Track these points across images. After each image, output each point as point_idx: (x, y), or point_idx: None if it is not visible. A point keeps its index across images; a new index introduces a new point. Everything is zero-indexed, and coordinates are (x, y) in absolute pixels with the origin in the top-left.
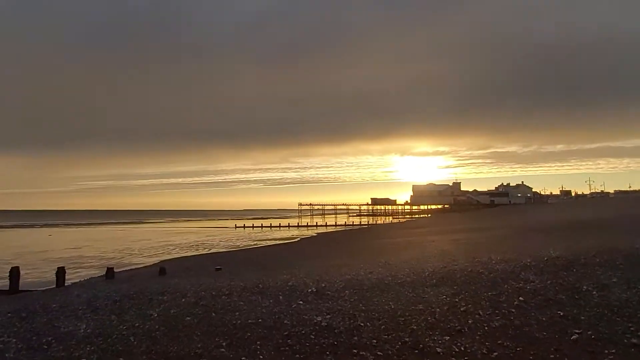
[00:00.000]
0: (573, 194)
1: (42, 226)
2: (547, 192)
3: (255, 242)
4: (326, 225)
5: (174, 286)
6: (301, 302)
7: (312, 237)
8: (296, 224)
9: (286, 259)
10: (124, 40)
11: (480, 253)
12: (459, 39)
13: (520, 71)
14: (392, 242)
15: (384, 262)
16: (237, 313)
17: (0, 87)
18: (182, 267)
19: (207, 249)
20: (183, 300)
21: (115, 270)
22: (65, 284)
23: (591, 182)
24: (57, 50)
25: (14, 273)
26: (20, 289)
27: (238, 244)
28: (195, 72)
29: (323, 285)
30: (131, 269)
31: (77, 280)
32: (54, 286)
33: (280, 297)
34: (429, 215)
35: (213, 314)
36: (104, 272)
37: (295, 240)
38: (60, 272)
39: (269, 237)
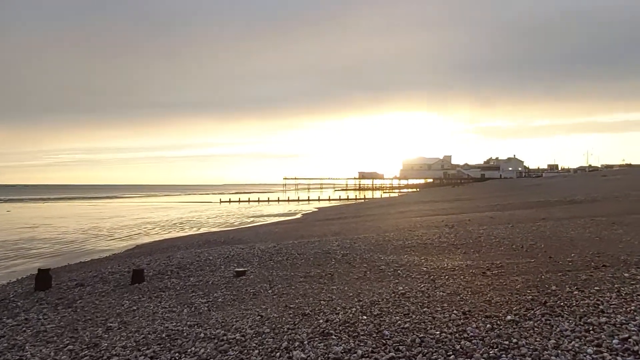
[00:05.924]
0: (560, 169)
1: (5, 201)
2: (535, 167)
3: (251, 219)
4: (319, 200)
5: (173, 345)
6: None
7: (315, 212)
8: (286, 199)
9: (339, 247)
10: (101, 10)
11: None
12: (445, 11)
13: (506, 44)
14: (443, 219)
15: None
16: None
17: None
18: (170, 264)
19: (195, 228)
20: None
21: (66, 264)
22: None
23: (589, 155)
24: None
25: None
26: None
27: (232, 221)
28: (175, 43)
29: None
30: (89, 261)
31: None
32: None
33: None
34: (418, 189)
35: None
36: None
37: (297, 216)
38: None
39: (264, 213)
